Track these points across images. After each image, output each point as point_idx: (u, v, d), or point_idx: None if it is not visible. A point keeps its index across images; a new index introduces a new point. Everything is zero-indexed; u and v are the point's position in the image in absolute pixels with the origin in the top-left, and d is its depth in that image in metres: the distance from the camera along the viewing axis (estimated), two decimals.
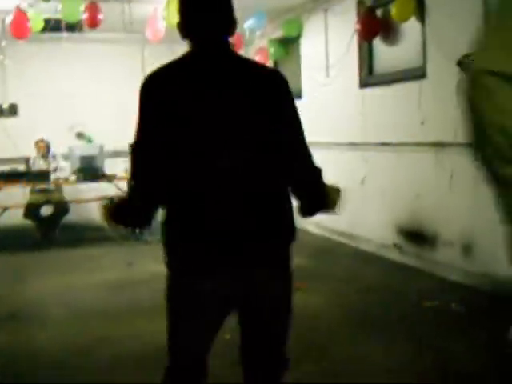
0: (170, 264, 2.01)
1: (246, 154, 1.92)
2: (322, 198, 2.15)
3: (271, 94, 1.98)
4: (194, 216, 1.91)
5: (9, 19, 6.04)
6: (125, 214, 2.04)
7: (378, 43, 6.16)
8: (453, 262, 4.97)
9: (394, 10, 5.35)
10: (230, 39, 2.01)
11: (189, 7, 1.97)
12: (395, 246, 5.74)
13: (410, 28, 5.49)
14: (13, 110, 8.65)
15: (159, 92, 1.93)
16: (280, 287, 2.05)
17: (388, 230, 5.87)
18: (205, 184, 1.90)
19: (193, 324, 2.01)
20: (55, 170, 7.58)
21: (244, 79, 1.97)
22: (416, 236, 5.48)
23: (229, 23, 1.97)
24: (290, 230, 2.07)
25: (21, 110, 8.69)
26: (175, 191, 1.94)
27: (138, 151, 1.99)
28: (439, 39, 4.97)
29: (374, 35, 5.89)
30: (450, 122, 4.28)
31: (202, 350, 2.05)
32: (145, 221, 2.04)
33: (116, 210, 2.04)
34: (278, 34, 7.77)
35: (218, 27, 1.95)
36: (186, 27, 1.96)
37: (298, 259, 4.86)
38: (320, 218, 7.58)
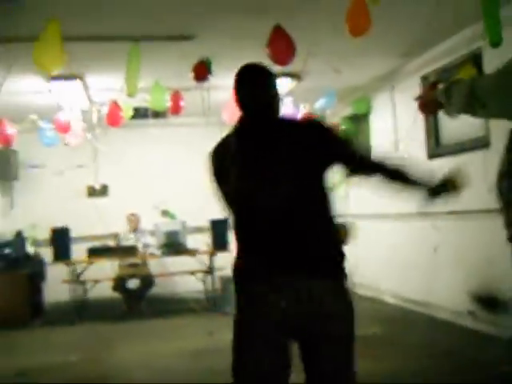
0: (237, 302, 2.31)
1: (290, 197, 2.22)
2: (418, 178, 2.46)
3: (309, 138, 2.31)
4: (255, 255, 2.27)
5: (104, 110, 6.70)
6: None
7: (443, 115, 6.38)
8: None
9: None
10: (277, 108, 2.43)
11: (237, 89, 2.43)
12: (469, 313, 5.73)
13: None
14: (104, 191, 9.34)
15: (216, 156, 2.43)
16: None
17: (462, 297, 5.87)
18: (258, 229, 2.27)
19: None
20: (145, 245, 8.05)
21: (281, 134, 2.33)
22: (490, 302, 5.46)
23: (266, 98, 2.39)
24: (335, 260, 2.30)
25: (111, 190, 9.36)
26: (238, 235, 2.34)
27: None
28: None
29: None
30: None
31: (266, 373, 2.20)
32: None
33: None
34: (348, 111, 8.14)
35: (258, 102, 2.37)
36: (238, 103, 2.43)
37: (371, 328, 4.98)
38: (395, 287, 7.55)
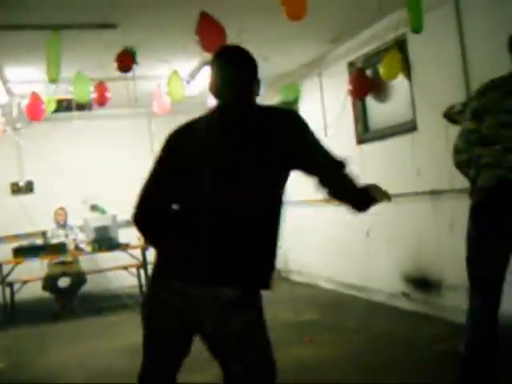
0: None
1: (246, 200, 2.08)
2: (359, 190, 2.23)
3: (282, 136, 2.12)
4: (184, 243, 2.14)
5: (24, 103, 6.42)
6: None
7: (370, 101, 6.48)
8: (459, 305, 5.08)
9: (382, 69, 5.64)
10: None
11: (212, 71, 2.28)
12: (403, 294, 5.87)
13: (399, 85, 5.80)
14: (29, 187, 9.00)
15: (173, 143, 2.24)
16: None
17: (396, 279, 6.01)
18: (201, 221, 2.12)
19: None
20: (75, 241, 7.82)
21: (253, 126, 2.16)
22: (422, 283, 5.61)
23: (242, 84, 2.22)
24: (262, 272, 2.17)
25: (36, 186, 9.04)
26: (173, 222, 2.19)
27: (146, 188, 2.25)
28: (426, 93, 5.27)
29: (365, 94, 6.21)
30: (444, 170, 4.50)
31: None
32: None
33: None
34: (277, 99, 8.14)
35: (232, 88, 2.21)
36: (211, 87, 2.27)
37: (309, 313, 5.01)
38: (330, 272, 7.68)
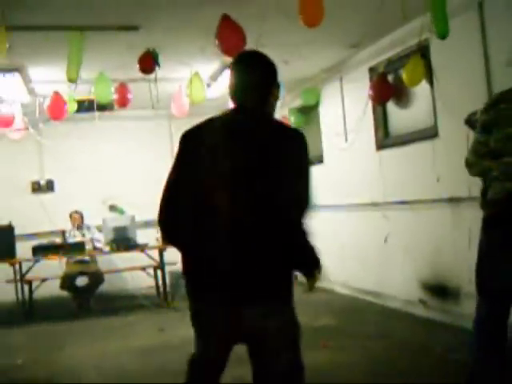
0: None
1: (249, 202, 2.11)
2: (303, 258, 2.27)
3: (282, 150, 2.15)
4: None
5: (46, 102, 6.49)
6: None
7: (391, 107, 6.45)
8: None
9: (404, 75, 5.60)
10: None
11: (230, 75, 2.33)
12: (420, 301, 5.82)
13: (421, 91, 5.76)
14: (49, 186, 9.09)
15: (188, 143, 2.26)
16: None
17: (413, 286, 5.96)
18: (211, 230, 2.15)
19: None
20: (92, 240, 7.88)
21: (259, 136, 2.19)
22: (439, 290, 5.56)
23: (259, 95, 2.27)
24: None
25: (57, 185, 9.12)
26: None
27: (168, 189, 2.27)
28: (447, 100, 5.23)
29: (386, 99, 6.18)
30: (464, 177, 4.45)
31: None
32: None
33: None
34: (298, 103, 8.13)
35: (246, 93, 2.27)
36: (230, 93, 2.33)
37: (324, 319, 4.98)
38: (346, 278, 7.62)
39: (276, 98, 2.32)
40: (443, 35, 4.46)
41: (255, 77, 2.28)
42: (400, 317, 5.96)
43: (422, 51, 5.51)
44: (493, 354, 3.08)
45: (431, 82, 5.54)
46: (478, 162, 3.11)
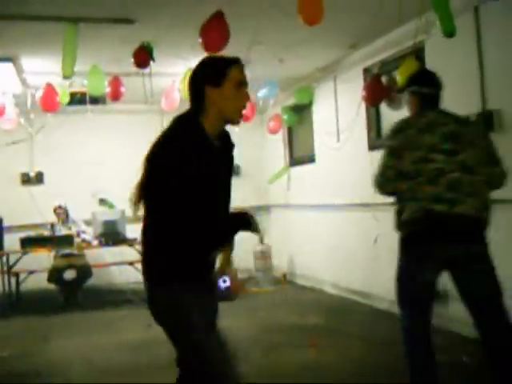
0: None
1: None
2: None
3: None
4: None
5: (38, 94, 6.44)
6: None
7: (385, 108, 6.45)
8: (464, 317, 5.04)
9: (398, 76, 5.61)
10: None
11: None
12: None
13: None
14: (39, 178, 9.03)
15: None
16: None
17: None
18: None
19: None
20: (78, 233, 7.84)
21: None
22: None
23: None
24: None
25: (46, 177, 9.06)
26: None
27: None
28: (441, 102, 5.23)
29: (379, 100, 6.18)
30: None
31: None
32: None
33: None
34: (291, 101, 8.13)
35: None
36: None
37: (313, 318, 4.99)
38: (335, 277, 7.64)
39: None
40: (450, 33, 4.37)
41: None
42: (388, 318, 5.96)
43: (417, 53, 5.53)
44: (425, 357, 3.40)
45: None
46: (388, 184, 3.26)
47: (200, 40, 4.60)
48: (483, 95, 4.69)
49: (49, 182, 9.03)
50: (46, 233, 7.88)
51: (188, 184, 2.19)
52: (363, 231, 6.72)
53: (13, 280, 7.57)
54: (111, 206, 8.83)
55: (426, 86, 3.49)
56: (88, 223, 7.98)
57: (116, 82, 6.22)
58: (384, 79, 6.29)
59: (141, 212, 2.34)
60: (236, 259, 8.18)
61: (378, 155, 6.85)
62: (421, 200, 3.15)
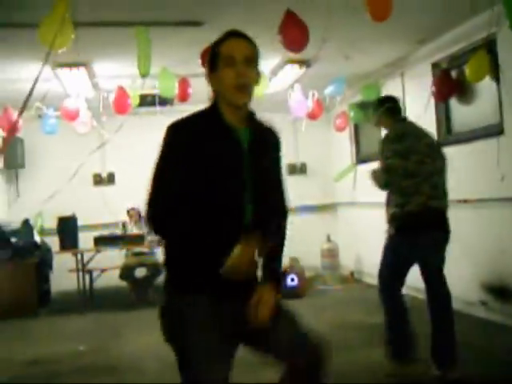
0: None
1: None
2: None
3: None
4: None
5: (110, 97, 6.64)
6: None
7: (454, 103, 6.30)
8: None
9: (468, 71, 5.45)
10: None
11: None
12: (481, 303, 5.68)
13: (485, 87, 5.61)
14: (110, 179, 9.31)
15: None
16: None
17: (473, 287, 5.82)
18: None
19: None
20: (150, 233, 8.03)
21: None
22: (502, 292, 5.42)
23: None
24: None
25: (117, 178, 9.32)
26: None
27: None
28: None
29: (449, 96, 6.04)
30: None
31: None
32: None
33: None
34: (358, 98, 8.05)
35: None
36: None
37: (380, 316, 4.93)
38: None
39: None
40: None
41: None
42: (460, 318, 5.80)
43: (488, 46, 5.36)
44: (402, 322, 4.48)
45: (497, 78, 5.38)
46: (394, 181, 3.96)
47: (281, 41, 4.61)
48: None
49: (120, 182, 9.27)
50: (118, 232, 8.11)
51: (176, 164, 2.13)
52: None
53: (87, 277, 7.82)
54: None
55: (391, 102, 4.42)
56: None
57: (184, 84, 6.33)
58: (453, 73, 6.15)
59: None
60: (302, 257, 8.20)
61: (448, 151, 6.72)
62: (419, 195, 3.91)
